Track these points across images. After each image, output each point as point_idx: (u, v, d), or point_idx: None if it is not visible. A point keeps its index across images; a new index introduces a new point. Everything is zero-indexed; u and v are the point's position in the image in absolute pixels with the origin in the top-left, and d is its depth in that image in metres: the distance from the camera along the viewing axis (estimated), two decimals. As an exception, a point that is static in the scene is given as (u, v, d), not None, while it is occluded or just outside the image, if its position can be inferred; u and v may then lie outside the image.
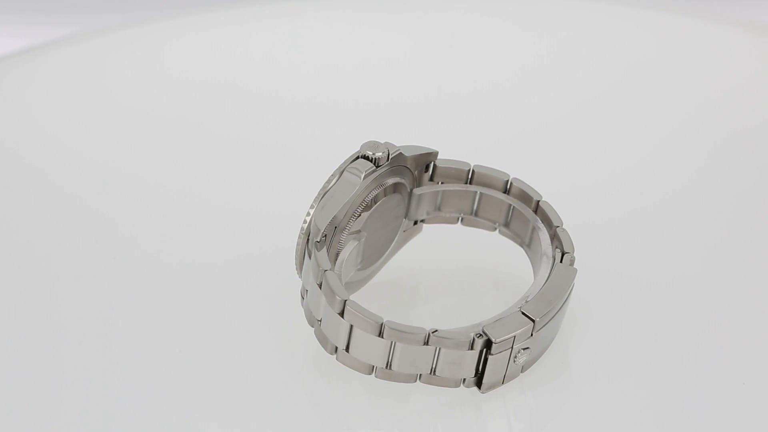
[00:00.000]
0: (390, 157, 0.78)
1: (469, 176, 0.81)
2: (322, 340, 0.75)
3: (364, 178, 0.76)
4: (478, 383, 0.74)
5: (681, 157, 0.99)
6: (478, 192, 0.82)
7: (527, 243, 0.81)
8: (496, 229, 0.83)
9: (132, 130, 1.00)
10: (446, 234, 0.85)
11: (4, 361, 0.78)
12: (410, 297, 0.84)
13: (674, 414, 0.76)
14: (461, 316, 0.78)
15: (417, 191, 0.82)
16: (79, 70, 1.08)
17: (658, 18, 1.17)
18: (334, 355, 0.74)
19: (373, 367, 0.74)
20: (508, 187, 0.81)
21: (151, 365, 0.77)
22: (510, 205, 0.81)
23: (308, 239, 0.75)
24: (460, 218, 0.84)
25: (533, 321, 0.73)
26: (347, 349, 0.73)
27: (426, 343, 0.72)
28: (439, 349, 0.72)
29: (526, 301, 0.74)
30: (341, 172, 0.76)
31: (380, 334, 0.71)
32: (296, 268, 0.78)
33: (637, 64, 1.10)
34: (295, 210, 0.80)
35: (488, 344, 0.72)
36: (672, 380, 0.78)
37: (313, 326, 0.76)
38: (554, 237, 0.79)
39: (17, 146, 0.98)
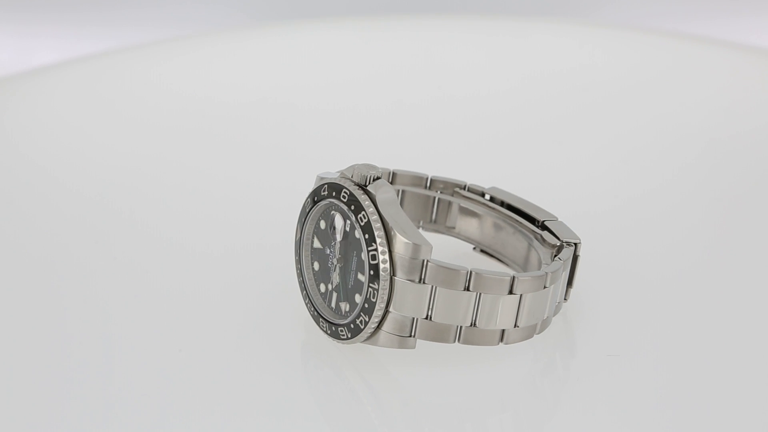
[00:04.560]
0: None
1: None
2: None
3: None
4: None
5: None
6: None
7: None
8: None
9: (133, 135, 1.02)
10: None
11: (5, 361, 0.78)
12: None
13: (676, 412, 0.75)
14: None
15: None
16: (92, 87, 1.10)
17: (644, 42, 1.19)
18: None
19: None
20: (391, 178, 0.83)
21: (151, 364, 0.77)
22: (399, 190, 0.83)
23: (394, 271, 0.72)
24: None
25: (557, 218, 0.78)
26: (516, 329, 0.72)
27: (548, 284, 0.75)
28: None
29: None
30: (374, 202, 0.72)
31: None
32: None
33: (623, 87, 1.11)
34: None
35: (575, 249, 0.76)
36: (675, 378, 0.76)
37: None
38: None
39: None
